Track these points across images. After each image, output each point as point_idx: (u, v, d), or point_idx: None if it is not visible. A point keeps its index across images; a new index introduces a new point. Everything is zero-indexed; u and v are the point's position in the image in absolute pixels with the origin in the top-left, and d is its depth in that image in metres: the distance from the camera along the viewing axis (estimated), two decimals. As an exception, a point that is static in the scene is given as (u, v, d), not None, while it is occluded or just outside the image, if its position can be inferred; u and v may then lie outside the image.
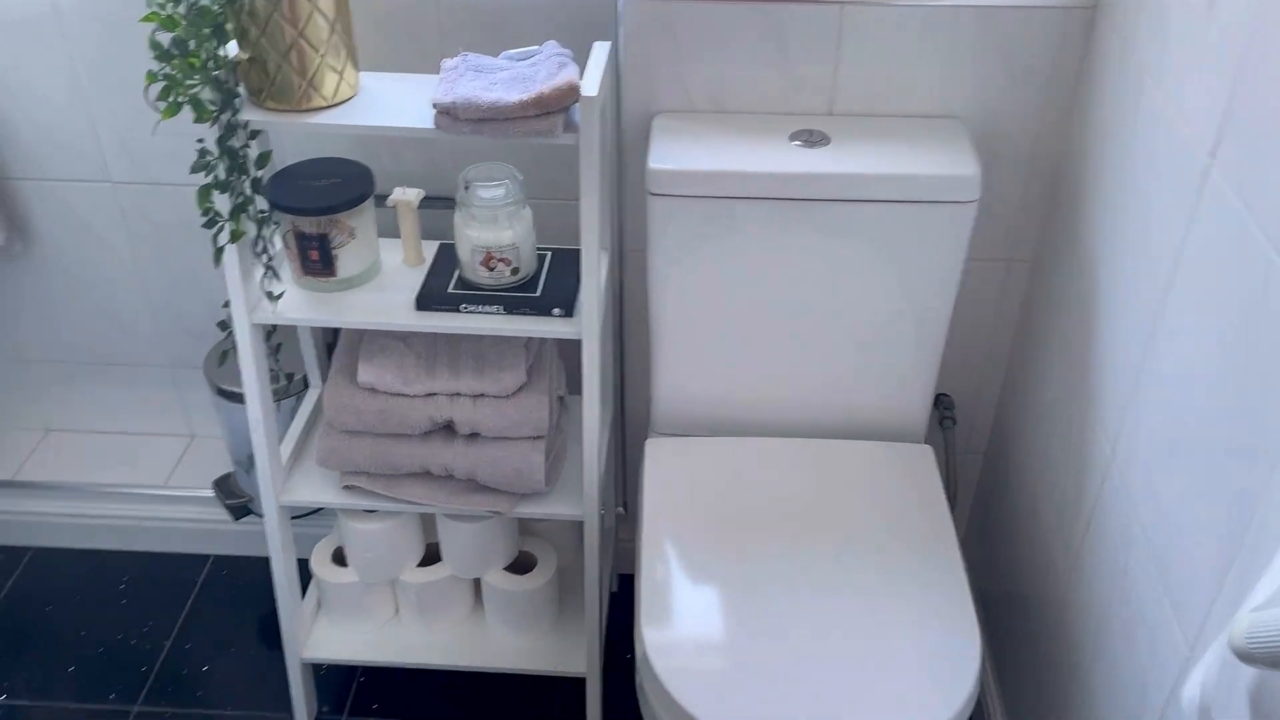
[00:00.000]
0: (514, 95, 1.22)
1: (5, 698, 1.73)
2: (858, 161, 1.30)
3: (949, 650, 1.20)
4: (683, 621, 1.25)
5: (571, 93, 1.20)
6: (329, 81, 1.25)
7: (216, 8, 1.18)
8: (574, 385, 1.66)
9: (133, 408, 1.96)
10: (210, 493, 1.85)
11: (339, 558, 1.64)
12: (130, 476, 1.92)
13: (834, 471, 1.44)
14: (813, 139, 1.34)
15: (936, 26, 1.33)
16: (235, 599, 1.90)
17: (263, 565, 1.93)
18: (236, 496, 1.81)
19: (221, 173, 1.24)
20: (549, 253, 1.47)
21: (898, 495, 1.40)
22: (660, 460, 1.46)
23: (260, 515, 1.80)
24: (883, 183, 1.28)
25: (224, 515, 1.84)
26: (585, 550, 1.51)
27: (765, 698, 1.15)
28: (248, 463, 1.76)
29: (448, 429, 1.48)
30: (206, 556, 1.97)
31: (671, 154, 1.32)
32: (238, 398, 1.66)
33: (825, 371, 1.46)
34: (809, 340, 1.43)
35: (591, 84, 1.22)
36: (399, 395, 1.44)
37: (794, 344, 1.43)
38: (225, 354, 1.43)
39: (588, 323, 1.35)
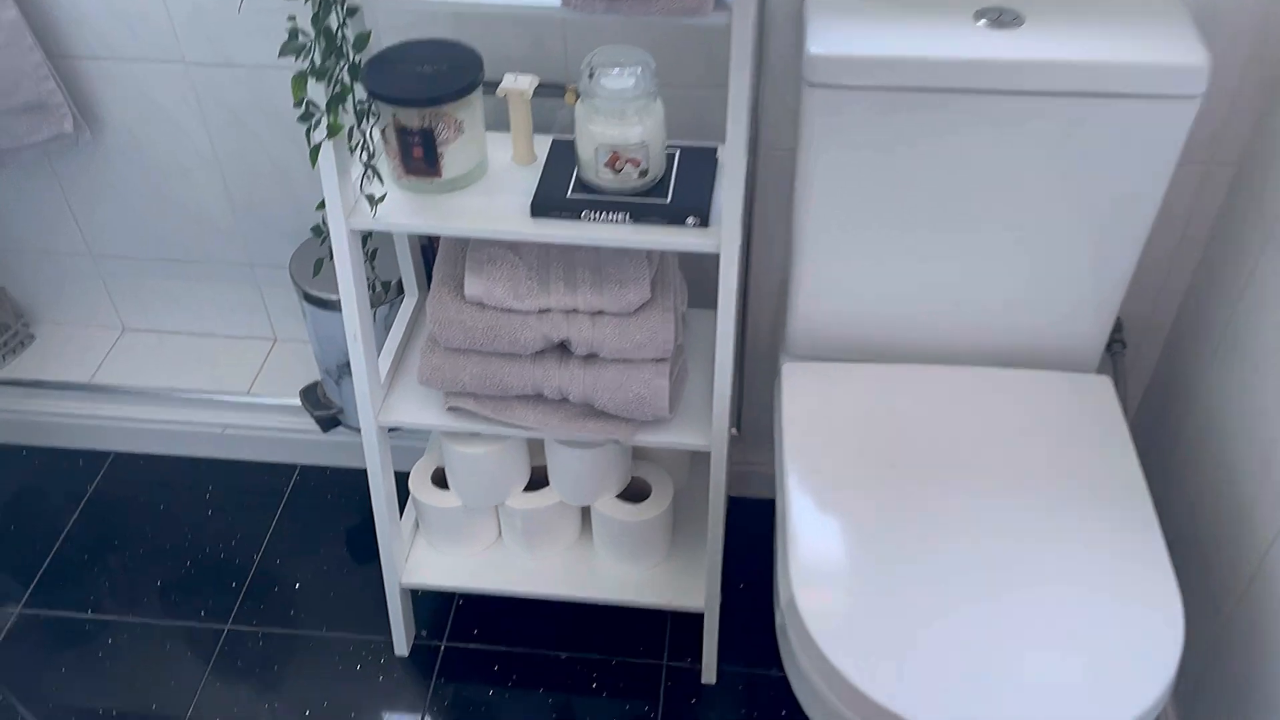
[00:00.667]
0: (658, -34, 1.02)
1: (91, 613, 1.66)
2: (1059, 46, 1.09)
3: (1145, 624, 1.05)
4: (835, 571, 1.11)
5: (727, -37, 1.00)
6: (438, -51, 1.07)
7: None
8: (692, 298, 1.50)
9: (212, 308, 1.85)
10: (297, 401, 1.74)
11: (439, 479, 1.52)
12: (212, 382, 1.81)
13: (998, 404, 1.27)
14: (1003, 18, 1.13)
15: (1160, -119, 1.10)
16: (325, 511, 1.81)
17: (353, 476, 1.84)
18: (325, 407, 1.70)
19: (317, 57, 1.07)
20: (677, 150, 1.29)
21: (1073, 433, 1.23)
22: (800, 388, 1.31)
23: (351, 427, 1.70)
24: (1090, 72, 1.08)
25: (312, 424, 1.73)
26: (711, 484, 1.38)
27: (928, 664, 1.02)
28: (337, 372, 1.64)
29: (562, 349, 1.34)
30: (294, 466, 1.87)
31: (832, 36, 1.12)
32: (327, 304, 1.53)
33: (991, 292, 1.28)
34: (977, 255, 1.25)
35: (748, -48, 1.02)
36: (510, 311, 1.30)
37: (958, 259, 1.25)
38: (320, 262, 1.28)
39: (727, 234, 1.18)
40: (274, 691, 1.57)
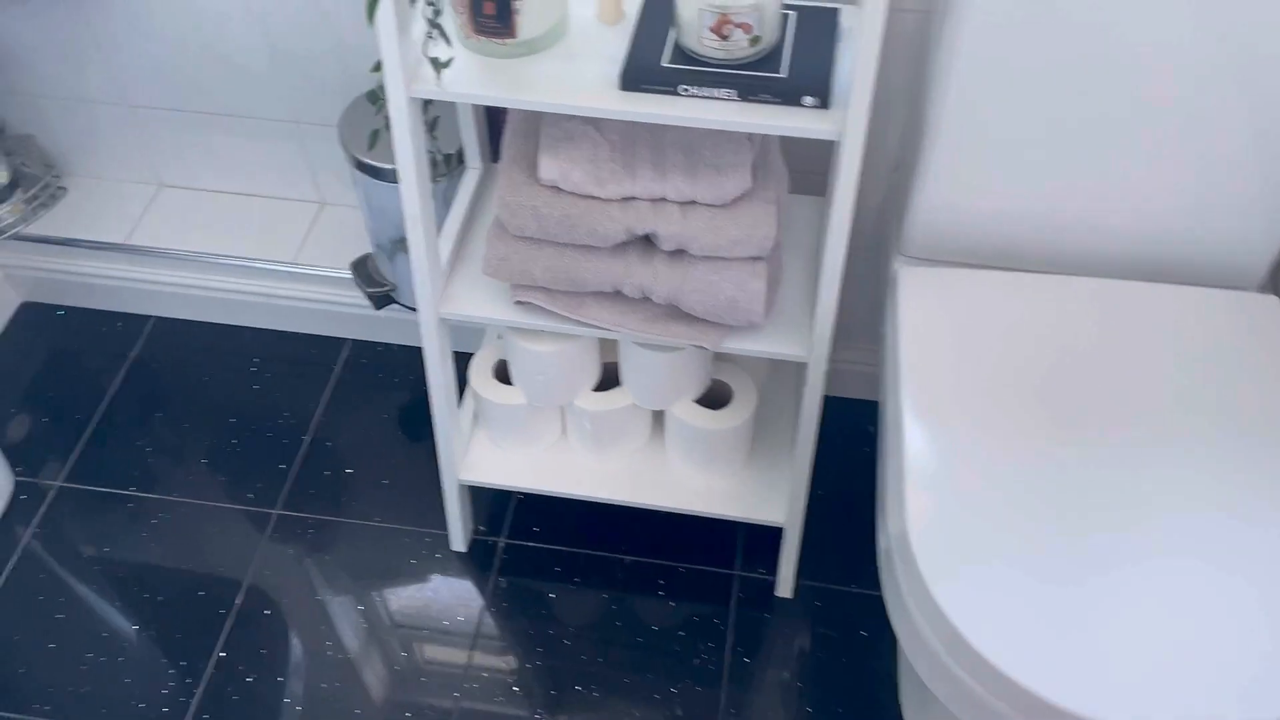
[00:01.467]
0: None
1: (133, 489, 1.58)
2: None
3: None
4: (962, 517, 0.97)
5: None
6: None
7: None
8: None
9: (254, 166, 1.69)
10: (346, 274, 1.60)
11: (502, 373, 1.40)
12: (256, 247, 1.67)
13: (1151, 323, 1.11)
14: None
15: None
16: (378, 390, 1.70)
17: (408, 353, 1.73)
18: (378, 284, 1.56)
19: (375, -109, 0.88)
20: (792, 12, 1.09)
21: (1242, 362, 1.07)
22: (920, 295, 1.15)
23: (406, 306, 1.57)
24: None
25: (363, 297, 1.60)
26: (805, 402, 1.24)
27: (1064, 635, 0.89)
28: (391, 248, 1.49)
29: (646, 242, 1.18)
30: (344, 340, 1.76)
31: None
32: (382, 174, 1.37)
33: (1149, 194, 1.10)
34: (1135, 151, 1.06)
35: None
36: (589, 198, 1.13)
37: (1115, 152, 1.07)
38: (375, 134, 1.12)
39: (853, 119, 1.00)
40: (326, 583, 1.49)
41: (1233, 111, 1.02)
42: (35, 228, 1.70)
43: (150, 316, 1.79)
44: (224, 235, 1.69)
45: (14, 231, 1.67)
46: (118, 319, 1.79)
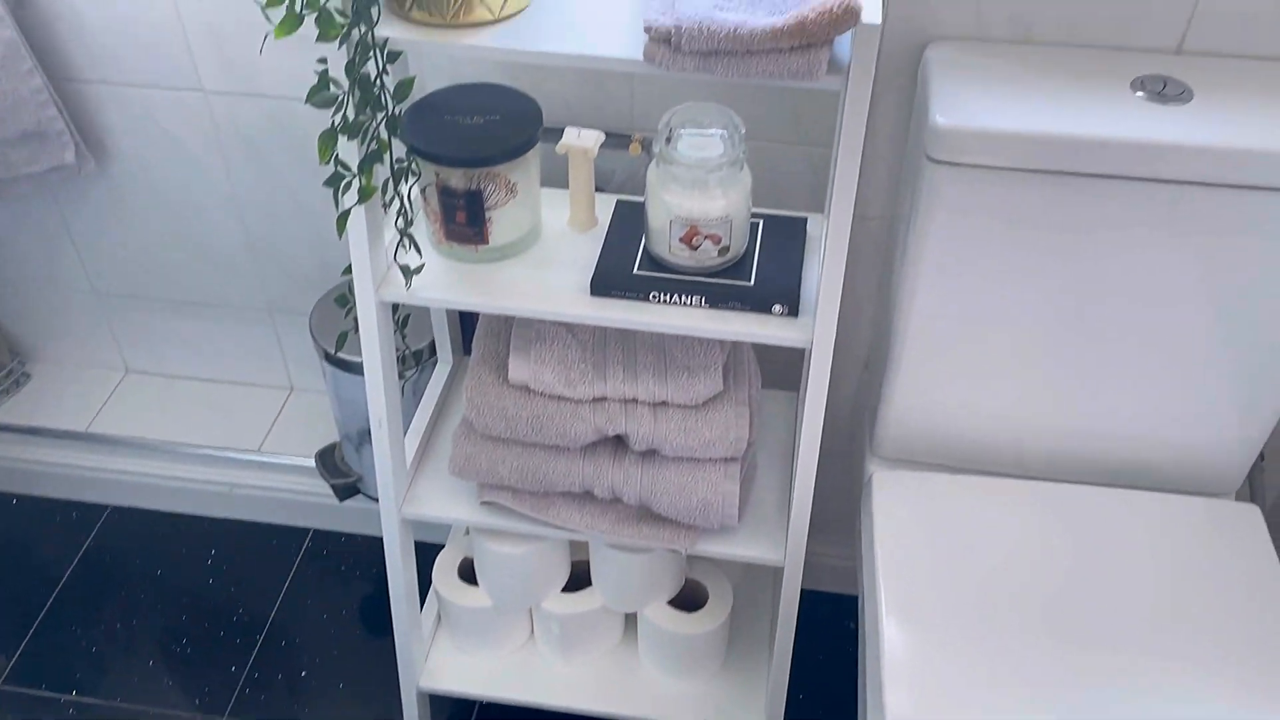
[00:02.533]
0: (762, 18, 0.85)
1: (74, 694, 1.50)
2: (1240, 131, 0.91)
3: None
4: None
5: (848, 17, 0.82)
6: (498, -15, 0.89)
7: (351, -126, 0.82)
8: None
9: (223, 352, 1.68)
10: (311, 462, 1.57)
11: (467, 572, 1.35)
12: (222, 434, 1.64)
13: (1126, 532, 1.09)
14: (1166, 91, 0.95)
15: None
16: (339, 583, 1.64)
17: (371, 543, 1.67)
18: (343, 475, 1.53)
19: (350, 111, 0.90)
20: (759, 220, 1.11)
21: (1220, 572, 1.05)
22: (892, 500, 1.12)
23: (370, 496, 1.53)
24: (1274, 163, 0.89)
25: (327, 486, 1.56)
26: (782, 607, 1.20)
27: None
28: (358, 438, 1.47)
29: (617, 442, 1.16)
30: (306, 530, 1.71)
31: (962, 105, 0.94)
32: (351, 367, 1.36)
33: (1120, 403, 1.10)
34: (1107, 360, 1.07)
35: (872, 5, 0.84)
36: (559, 399, 1.12)
37: (1085, 363, 1.07)
38: (344, 335, 1.12)
39: (822, 326, 1.00)
40: (273, 797, 1.40)
41: (1199, 325, 1.02)
42: (-5, 415, 1.67)
43: (107, 506, 1.74)
44: (189, 422, 1.66)
45: (-28, 419, 1.63)
46: (73, 508, 1.73)
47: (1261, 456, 1.25)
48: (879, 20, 0.83)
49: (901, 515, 1.11)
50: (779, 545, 1.17)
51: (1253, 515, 1.10)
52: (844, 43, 0.86)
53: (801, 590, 1.20)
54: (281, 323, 1.62)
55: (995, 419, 1.14)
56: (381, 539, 1.25)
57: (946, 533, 1.09)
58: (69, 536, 1.70)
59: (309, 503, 1.67)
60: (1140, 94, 0.95)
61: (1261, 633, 0.99)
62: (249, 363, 1.69)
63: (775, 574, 1.32)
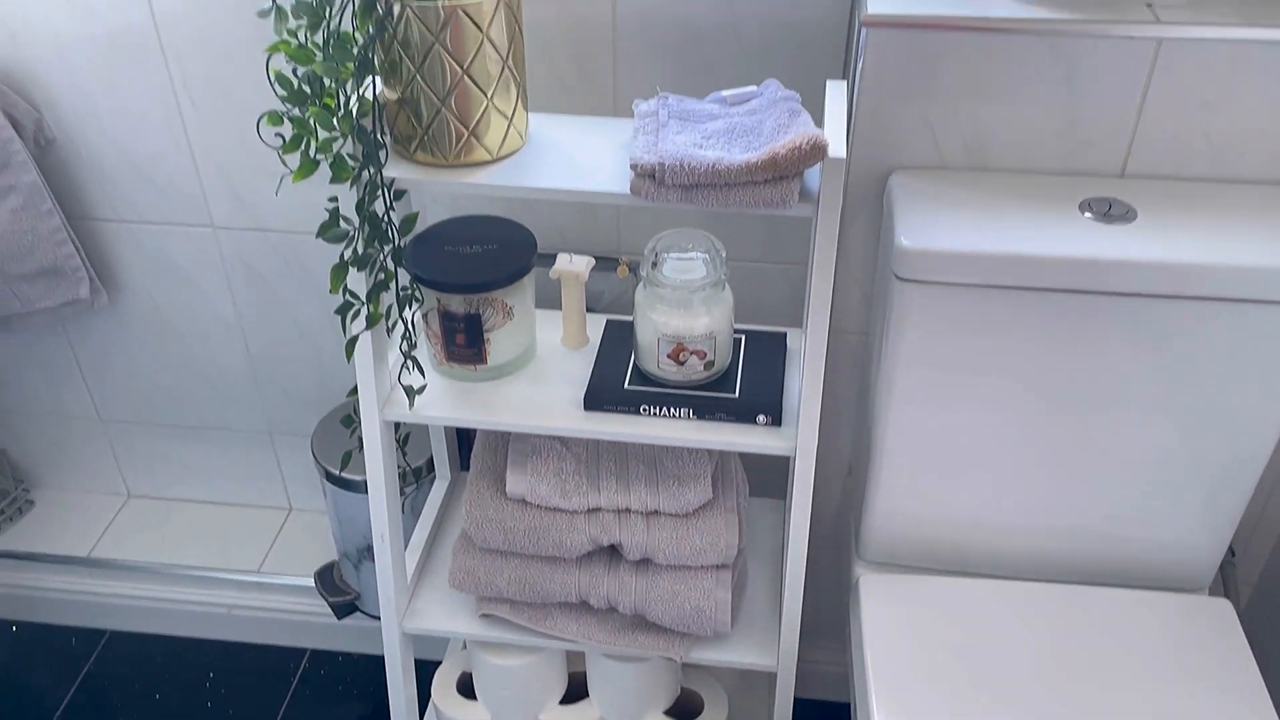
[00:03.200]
0: (738, 155, 0.93)
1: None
2: (1181, 246, 0.98)
3: None
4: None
5: (816, 152, 0.91)
6: (495, 129, 0.98)
7: (362, 36, 0.91)
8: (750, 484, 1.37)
9: (224, 474, 1.72)
10: (310, 582, 1.60)
11: (465, 687, 1.37)
12: (221, 555, 1.68)
13: (1104, 628, 1.12)
14: (1112, 212, 1.03)
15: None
16: (337, 703, 1.64)
17: (369, 663, 1.69)
18: (342, 593, 1.55)
19: (360, 245, 0.97)
20: (742, 336, 1.18)
21: (1194, 666, 1.08)
22: (879, 602, 1.16)
23: (369, 614, 1.55)
24: (1218, 276, 0.97)
25: (325, 606, 1.59)
26: (776, 708, 1.22)
27: None
28: (357, 556, 1.50)
29: (611, 552, 1.20)
30: (304, 650, 1.72)
31: (924, 227, 1.02)
32: (352, 485, 1.40)
33: (1092, 504, 1.15)
34: (1075, 464, 1.12)
35: (837, 140, 0.93)
36: (555, 510, 1.17)
37: (1055, 467, 1.13)
38: (349, 455, 1.16)
39: (804, 434, 1.05)
40: None
41: (1160, 428, 1.08)
42: (-2, 542, 1.70)
43: (106, 631, 1.75)
44: (189, 545, 1.69)
45: (-24, 546, 1.66)
46: (73, 634, 1.75)
47: (1232, 553, 1.30)
48: (844, 154, 0.92)
49: (888, 617, 1.15)
50: (771, 651, 1.21)
51: (1225, 610, 1.14)
52: (813, 174, 0.94)
53: (796, 698, 1.23)
54: (281, 444, 1.67)
55: (974, 521, 1.18)
56: (379, 658, 1.28)
57: (932, 633, 1.13)
58: (69, 663, 1.70)
59: (307, 622, 1.68)
60: (1088, 215, 1.03)
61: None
62: (249, 484, 1.73)
63: (769, 680, 1.34)
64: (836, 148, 0.92)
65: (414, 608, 1.26)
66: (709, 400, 1.09)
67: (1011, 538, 1.19)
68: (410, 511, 1.40)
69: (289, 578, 1.64)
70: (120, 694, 1.66)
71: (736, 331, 1.17)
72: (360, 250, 0.97)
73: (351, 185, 0.95)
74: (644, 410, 1.10)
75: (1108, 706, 1.05)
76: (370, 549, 1.46)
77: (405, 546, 1.29)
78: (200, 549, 1.69)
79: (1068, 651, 1.10)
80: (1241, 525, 1.34)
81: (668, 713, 1.33)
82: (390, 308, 1.07)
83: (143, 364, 1.60)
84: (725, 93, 1.03)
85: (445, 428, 1.39)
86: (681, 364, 1.09)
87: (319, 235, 0.97)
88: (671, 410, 1.09)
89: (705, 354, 1.09)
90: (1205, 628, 1.12)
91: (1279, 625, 1.34)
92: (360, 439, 1.13)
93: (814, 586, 1.50)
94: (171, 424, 1.67)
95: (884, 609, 1.16)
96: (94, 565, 1.68)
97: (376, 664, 1.33)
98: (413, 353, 1.08)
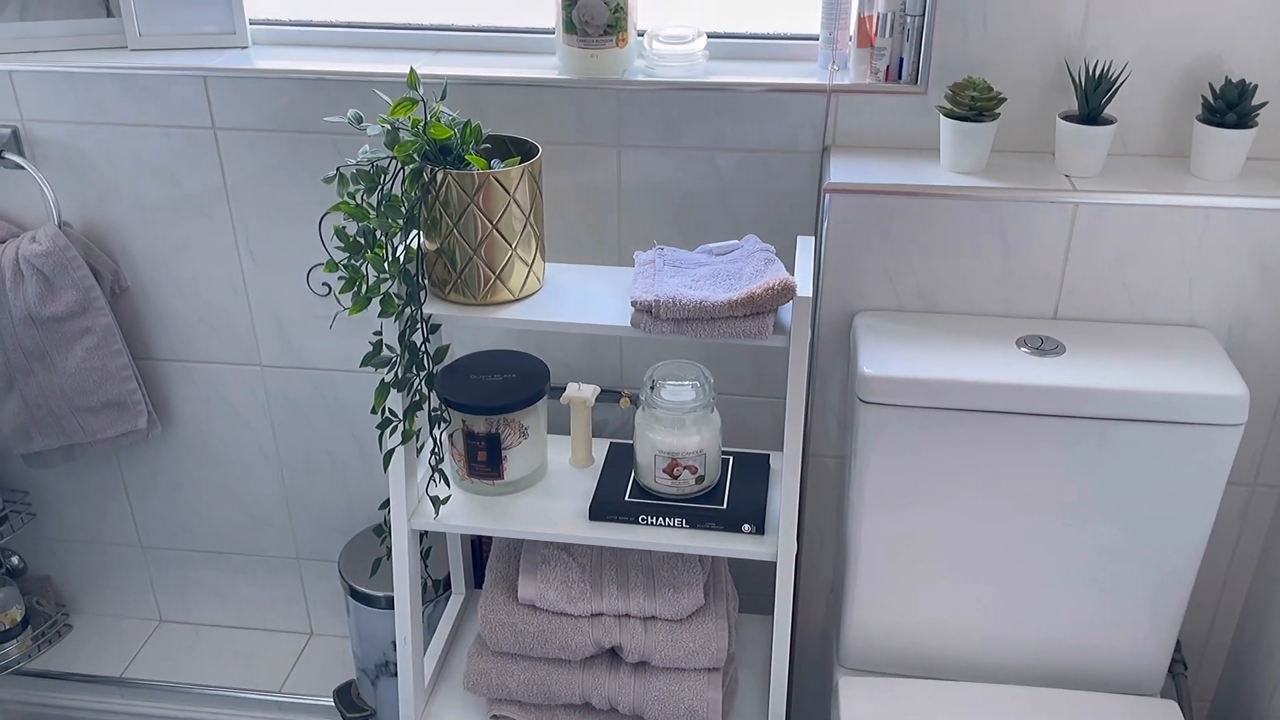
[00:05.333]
0: (721, 294, 1.11)
1: None
2: (1104, 375, 1.15)
3: None
4: None
5: (786, 292, 1.09)
6: (517, 274, 1.16)
7: (410, 198, 1.11)
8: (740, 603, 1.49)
9: (252, 600, 1.84)
10: (329, 701, 1.69)
11: (475, 793, 1.45)
12: (245, 676, 1.77)
13: (1063, 727, 1.23)
14: (1044, 346, 1.20)
15: (1182, 228, 1.20)
16: (346, 824, 1.71)
17: (382, 786, 1.76)
18: (359, 709, 1.65)
19: (400, 370, 1.14)
20: (730, 457, 1.33)
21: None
22: (856, 702, 1.27)
23: (383, 731, 1.64)
24: (1136, 400, 1.13)
25: (341, 726, 1.68)
26: (765, 807, 1.31)
27: None
28: (374, 671, 1.61)
29: (612, 655, 1.32)
30: (319, 769, 1.79)
31: (884, 358, 1.19)
32: (373, 601, 1.53)
33: (1049, 608, 1.27)
34: (1032, 571, 1.25)
35: (804, 283, 1.11)
36: (562, 615, 1.29)
37: (1013, 575, 1.25)
38: (378, 562, 1.30)
39: (784, 542, 1.19)
40: None
41: (1111, 544, 1.21)
42: (36, 663, 1.80)
43: (132, 751, 1.83)
44: (216, 667, 1.79)
45: (17, 667, 1.76)
46: (98, 754, 1.83)
47: (1184, 665, 1.40)
48: (810, 294, 1.09)
49: (864, 715, 1.25)
50: (760, 751, 1.30)
51: (1171, 711, 1.24)
52: (786, 312, 1.12)
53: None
54: (307, 570, 1.79)
55: (944, 628, 1.30)
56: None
57: (907, 732, 1.23)
58: (92, 783, 1.78)
59: (323, 742, 1.77)
60: (1024, 349, 1.20)
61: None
62: (274, 609, 1.84)
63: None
64: (804, 288, 1.10)
65: (430, 710, 1.36)
66: (700, 511, 1.23)
67: (976, 643, 1.30)
68: (427, 627, 1.52)
69: (309, 697, 1.74)
70: (140, 814, 1.73)
71: (725, 453, 1.32)
72: (400, 374, 1.14)
73: (395, 320, 1.12)
74: (642, 520, 1.24)
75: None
76: (387, 664, 1.57)
77: (424, 654, 1.40)
78: (226, 670, 1.79)
79: (1030, 747, 1.20)
80: (1194, 640, 1.46)
81: (664, 818, 1.40)
82: (419, 433, 1.22)
83: (185, 492, 1.75)
84: (712, 245, 1.22)
85: (461, 545, 1.52)
86: (675, 478, 1.24)
87: (364, 363, 1.14)
88: (667, 520, 1.23)
89: (697, 469, 1.24)
90: (1153, 726, 1.22)
91: (1237, 736, 1.43)
92: (389, 547, 1.26)
93: (802, 697, 1.60)
94: (206, 550, 1.80)
95: (860, 708, 1.26)
96: (126, 685, 1.78)
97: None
98: (440, 465, 1.24)
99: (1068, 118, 1.22)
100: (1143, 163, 1.26)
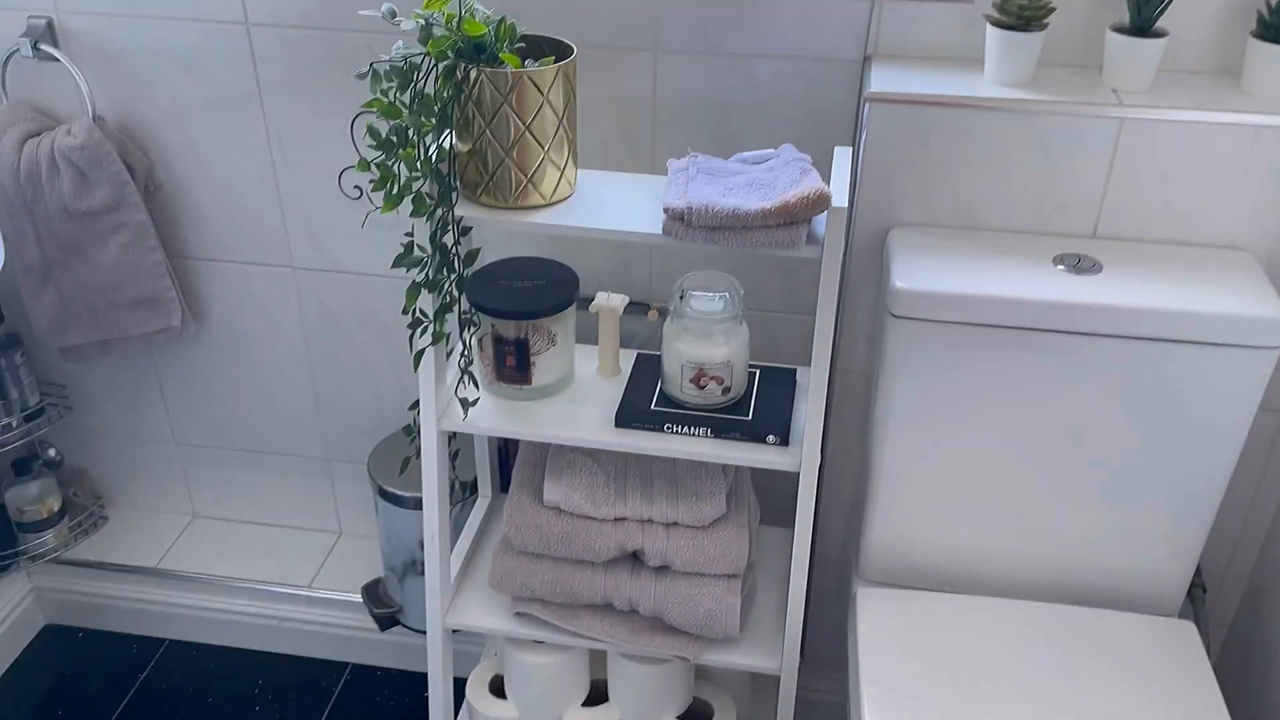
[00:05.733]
0: (755, 202, 1.10)
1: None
2: (1141, 294, 1.13)
3: None
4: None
5: (821, 202, 1.07)
6: (549, 178, 1.15)
7: (443, 97, 1.10)
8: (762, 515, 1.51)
9: (283, 498, 1.88)
10: (356, 598, 1.74)
11: (497, 687, 1.50)
12: (275, 572, 1.82)
13: (1079, 645, 1.24)
14: (1081, 265, 1.18)
15: (1228, 147, 1.17)
16: (374, 714, 1.77)
17: (404, 679, 1.81)
18: (385, 605, 1.69)
19: (431, 271, 1.14)
20: (757, 370, 1.33)
21: (1157, 680, 1.19)
22: (875, 616, 1.29)
23: (409, 627, 1.69)
24: (1171, 320, 1.12)
25: (368, 622, 1.73)
26: (779, 710, 1.34)
27: None
28: (401, 570, 1.64)
29: (634, 559, 1.34)
30: (345, 664, 1.85)
31: (917, 273, 1.18)
32: (401, 500, 1.55)
33: (1070, 528, 1.27)
34: (1055, 491, 1.25)
35: (840, 193, 1.10)
36: (586, 518, 1.31)
37: (1036, 494, 1.26)
38: (407, 461, 1.32)
39: (808, 453, 1.20)
40: None
41: (1139, 464, 1.21)
42: (72, 553, 1.85)
43: (165, 640, 1.89)
44: (247, 562, 1.84)
45: (54, 556, 1.82)
46: (134, 642, 1.89)
47: (1203, 589, 1.41)
48: (845, 204, 1.08)
49: (881, 627, 1.27)
50: (776, 656, 1.33)
51: (1188, 631, 1.25)
52: (820, 222, 1.11)
53: None
54: (337, 471, 1.83)
55: (964, 544, 1.31)
56: (417, 674, 1.40)
57: (922, 644, 1.25)
58: (126, 671, 1.84)
59: (351, 637, 1.82)
60: (1060, 267, 1.18)
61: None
62: (305, 508, 1.88)
63: (774, 692, 1.45)
64: (839, 199, 1.08)
65: (456, 605, 1.39)
66: (725, 421, 1.24)
67: (998, 560, 1.31)
68: (454, 528, 1.55)
69: (337, 593, 1.78)
70: (173, 700, 1.79)
71: (752, 367, 1.32)
72: (431, 275, 1.14)
73: (427, 220, 1.12)
74: (668, 428, 1.25)
75: (1072, 710, 1.16)
76: (415, 564, 1.61)
77: (450, 554, 1.43)
78: (256, 565, 1.84)
79: (1041, 664, 1.22)
80: (1215, 565, 1.46)
81: (680, 718, 1.44)
82: (449, 336, 1.23)
83: (219, 391, 1.77)
84: (746, 154, 1.20)
85: (489, 450, 1.54)
86: (702, 389, 1.24)
87: (396, 264, 1.14)
88: (692, 429, 1.24)
89: (723, 380, 1.24)
90: (1170, 647, 1.23)
91: (1250, 659, 1.44)
92: (419, 447, 1.28)
93: (820, 611, 1.63)
94: (239, 448, 1.83)
95: (877, 620, 1.28)
96: (159, 575, 1.83)
97: (414, 680, 1.45)
98: (469, 369, 1.25)
99: (1118, 29, 1.19)
100: (1192, 79, 1.23)
